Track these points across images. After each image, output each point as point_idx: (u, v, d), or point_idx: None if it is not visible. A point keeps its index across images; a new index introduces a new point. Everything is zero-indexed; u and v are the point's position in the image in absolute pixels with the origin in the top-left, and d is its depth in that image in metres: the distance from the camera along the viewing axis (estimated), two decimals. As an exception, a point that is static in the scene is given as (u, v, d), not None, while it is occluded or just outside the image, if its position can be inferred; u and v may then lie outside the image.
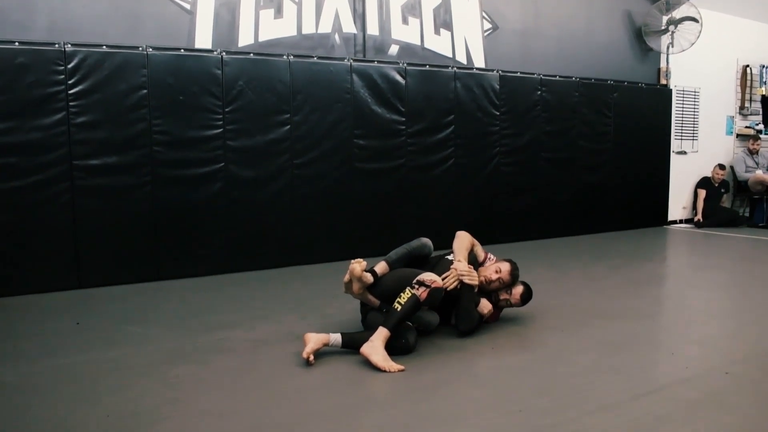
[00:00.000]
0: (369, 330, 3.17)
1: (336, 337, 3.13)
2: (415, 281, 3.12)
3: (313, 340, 3.05)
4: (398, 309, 3.07)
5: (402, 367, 2.93)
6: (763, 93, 9.59)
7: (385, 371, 2.90)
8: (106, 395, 2.64)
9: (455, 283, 3.34)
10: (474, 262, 3.57)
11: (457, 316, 3.43)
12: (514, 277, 3.60)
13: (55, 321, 3.85)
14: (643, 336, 3.55)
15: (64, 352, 3.21)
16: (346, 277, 3.28)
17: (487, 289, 3.58)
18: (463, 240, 3.56)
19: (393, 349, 3.05)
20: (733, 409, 2.55)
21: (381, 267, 3.35)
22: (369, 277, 3.27)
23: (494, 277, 3.55)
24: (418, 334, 3.32)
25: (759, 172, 8.81)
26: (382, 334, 3.02)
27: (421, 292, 3.09)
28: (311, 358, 2.99)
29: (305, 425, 2.36)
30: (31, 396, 2.64)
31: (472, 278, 3.39)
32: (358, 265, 3.23)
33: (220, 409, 2.51)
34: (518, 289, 3.65)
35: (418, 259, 3.50)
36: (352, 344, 3.12)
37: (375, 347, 2.98)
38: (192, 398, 2.62)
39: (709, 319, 3.89)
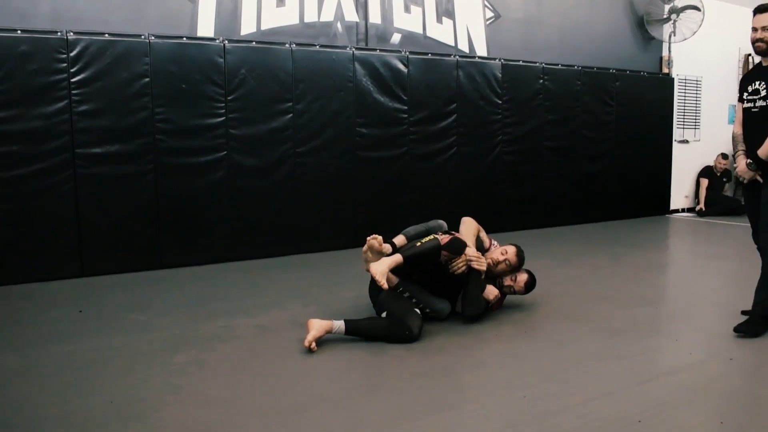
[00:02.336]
0: (379, 312, 3.23)
1: (339, 324, 3.13)
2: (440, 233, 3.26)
3: (316, 327, 3.05)
4: (418, 245, 3.13)
5: (388, 287, 3.11)
6: (766, 82, 9.53)
7: (377, 282, 3.04)
8: (109, 382, 2.65)
9: (463, 268, 3.35)
10: (480, 248, 3.59)
11: (464, 301, 3.44)
12: (520, 259, 3.63)
13: (58, 309, 3.86)
14: (647, 323, 3.55)
15: (67, 340, 3.22)
16: (365, 249, 3.33)
17: (493, 272, 3.59)
18: (469, 226, 3.59)
19: (397, 338, 3.07)
20: (737, 394, 2.56)
21: (399, 239, 3.43)
22: (388, 247, 3.34)
23: (501, 258, 3.57)
24: (429, 320, 3.33)
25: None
26: (395, 258, 3.13)
27: (443, 237, 3.17)
28: (313, 345, 2.99)
29: (308, 411, 2.37)
30: (34, 382, 2.65)
31: (480, 264, 3.40)
32: (375, 240, 3.29)
33: (224, 395, 2.51)
34: (522, 277, 3.67)
35: None
36: (355, 331, 3.13)
37: (382, 262, 3.10)
38: (195, 385, 2.63)
39: (712, 306, 3.89)
